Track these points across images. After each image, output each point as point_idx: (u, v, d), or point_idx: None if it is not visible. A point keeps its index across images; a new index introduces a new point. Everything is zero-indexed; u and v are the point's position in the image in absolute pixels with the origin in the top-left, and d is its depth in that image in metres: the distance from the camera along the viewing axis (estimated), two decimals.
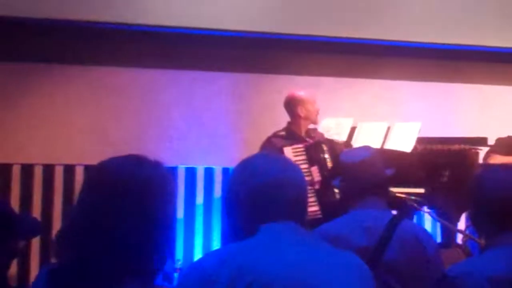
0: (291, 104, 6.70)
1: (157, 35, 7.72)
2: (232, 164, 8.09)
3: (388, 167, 3.77)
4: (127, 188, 2.13)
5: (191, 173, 7.70)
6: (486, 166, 3.60)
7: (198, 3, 7.65)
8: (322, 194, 6.33)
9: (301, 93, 6.73)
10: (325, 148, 6.51)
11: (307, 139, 6.58)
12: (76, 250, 2.09)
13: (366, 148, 3.85)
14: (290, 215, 2.32)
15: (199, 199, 7.66)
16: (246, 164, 2.42)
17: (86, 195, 2.15)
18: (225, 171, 7.83)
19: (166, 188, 2.21)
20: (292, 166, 2.44)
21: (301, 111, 6.65)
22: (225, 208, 2.40)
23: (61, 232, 2.16)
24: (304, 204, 2.42)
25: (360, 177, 3.64)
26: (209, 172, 7.78)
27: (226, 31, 7.78)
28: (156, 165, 2.25)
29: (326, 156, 6.47)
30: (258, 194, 2.31)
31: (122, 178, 2.14)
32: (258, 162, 2.41)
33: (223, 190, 7.81)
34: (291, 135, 6.59)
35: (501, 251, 2.70)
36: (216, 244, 7.58)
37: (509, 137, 7.11)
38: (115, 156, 2.27)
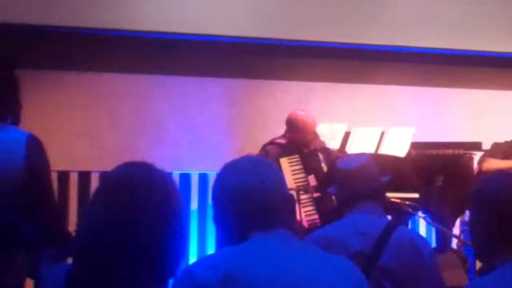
0: (292, 126, 6.66)
1: (151, 41, 7.72)
2: None
3: (383, 173, 3.76)
4: (144, 197, 2.11)
5: (185, 179, 7.68)
6: (490, 173, 3.60)
7: (192, 9, 7.65)
8: (320, 202, 6.33)
9: (303, 119, 6.66)
10: (321, 156, 6.50)
11: (304, 149, 6.56)
12: (92, 259, 2.07)
13: (362, 155, 3.85)
14: (278, 221, 2.29)
15: (194, 205, 7.65)
16: (227, 169, 2.41)
17: (102, 204, 2.11)
18: None
19: (178, 195, 2.21)
20: (270, 170, 2.40)
21: (297, 136, 6.65)
22: (214, 213, 2.39)
23: (76, 240, 2.13)
24: (288, 210, 2.39)
25: (356, 183, 3.63)
26: (203, 178, 7.76)
27: (219, 36, 7.78)
28: (164, 172, 2.24)
29: (323, 164, 6.47)
30: (240, 201, 2.30)
31: (138, 187, 2.12)
32: (239, 166, 2.40)
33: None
34: (289, 143, 6.58)
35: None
36: (210, 250, 7.56)
37: (506, 142, 7.11)
38: (123, 163, 2.24)
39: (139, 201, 2.08)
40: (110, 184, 2.16)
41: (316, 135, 6.68)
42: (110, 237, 2.05)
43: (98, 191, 2.17)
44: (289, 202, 2.43)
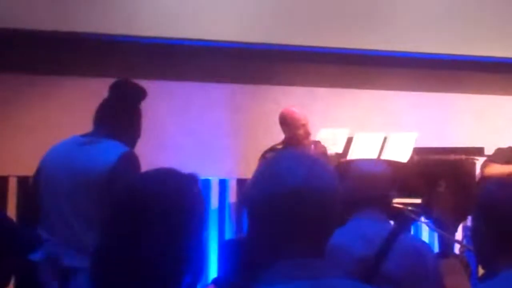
0: (282, 123, 6.76)
1: (153, 46, 7.72)
2: (228, 175, 8.11)
3: (394, 183, 3.77)
4: (155, 207, 2.05)
5: None
6: (494, 179, 3.59)
7: (194, 14, 7.65)
8: None
9: (287, 114, 6.74)
10: None
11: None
12: (106, 271, 2.03)
13: (378, 161, 3.87)
14: (309, 239, 1.96)
15: None
16: (270, 165, 2.03)
17: (116, 216, 2.07)
18: (221, 182, 7.82)
19: (194, 202, 2.12)
20: (323, 172, 2.00)
21: (286, 132, 6.70)
22: (246, 216, 2.07)
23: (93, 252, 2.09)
24: (329, 225, 2.02)
25: (369, 188, 3.63)
26: (205, 184, 7.75)
27: (222, 42, 7.79)
28: (184, 178, 2.13)
29: None
30: (276, 207, 1.94)
31: (150, 198, 2.06)
32: (283, 163, 2.00)
33: (220, 201, 7.81)
34: (287, 147, 6.59)
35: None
36: (213, 256, 7.55)
37: (509, 147, 7.12)
38: (146, 171, 2.18)
39: (145, 214, 2.03)
40: (121, 195, 2.11)
41: (307, 131, 6.69)
42: (124, 249, 2.00)
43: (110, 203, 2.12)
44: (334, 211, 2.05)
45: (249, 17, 7.79)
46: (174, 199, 2.05)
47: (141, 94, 4.23)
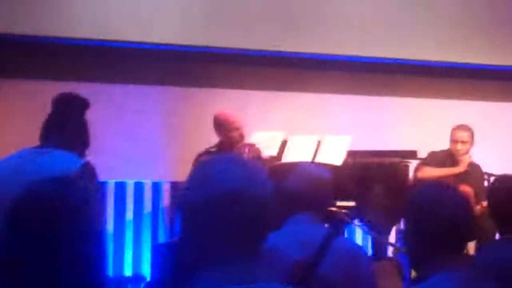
0: (216, 125, 6.75)
1: (88, 48, 7.63)
2: (163, 178, 8.05)
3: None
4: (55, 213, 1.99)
5: (120, 188, 7.61)
6: (425, 182, 3.62)
7: (130, 16, 7.59)
8: None
9: (221, 116, 6.74)
10: None
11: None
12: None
13: (319, 166, 3.88)
14: (243, 243, 1.94)
15: (129, 214, 7.58)
16: (204, 168, 2.01)
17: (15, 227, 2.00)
18: (155, 185, 7.77)
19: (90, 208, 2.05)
20: (258, 176, 1.99)
21: (220, 135, 6.69)
22: (179, 220, 2.02)
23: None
24: (263, 229, 2.00)
25: (306, 193, 3.63)
26: (139, 187, 7.70)
27: (157, 44, 7.74)
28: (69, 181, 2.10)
29: None
30: (210, 210, 1.92)
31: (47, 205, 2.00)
32: (218, 167, 1.98)
33: (153, 204, 7.75)
34: (220, 149, 6.57)
35: (446, 276, 2.68)
36: (146, 260, 7.49)
37: (441, 151, 7.21)
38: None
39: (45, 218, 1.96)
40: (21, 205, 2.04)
41: (242, 134, 6.68)
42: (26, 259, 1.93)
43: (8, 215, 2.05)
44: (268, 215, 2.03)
45: (183, 20, 7.76)
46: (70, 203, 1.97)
47: (86, 105, 4.51)
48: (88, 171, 4.10)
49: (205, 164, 2.03)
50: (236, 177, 1.94)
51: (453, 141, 7.14)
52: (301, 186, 3.65)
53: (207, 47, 7.90)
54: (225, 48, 7.95)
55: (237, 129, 6.68)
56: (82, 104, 4.52)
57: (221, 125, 6.73)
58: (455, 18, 8.50)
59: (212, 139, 6.84)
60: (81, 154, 4.30)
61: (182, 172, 7.27)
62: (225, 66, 8.14)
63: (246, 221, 1.93)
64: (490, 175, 7.07)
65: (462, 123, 7.21)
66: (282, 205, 3.74)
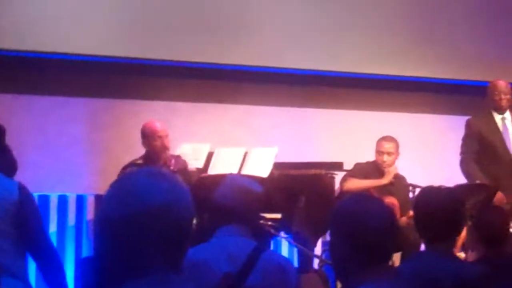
0: (142, 136, 6.71)
1: (9, 59, 7.50)
2: (87, 191, 7.94)
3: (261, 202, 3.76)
4: None
5: (44, 201, 7.47)
6: (351, 194, 3.64)
7: (51, 26, 7.49)
8: None
9: (148, 126, 6.70)
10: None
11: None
12: None
13: (250, 179, 3.88)
14: (166, 256, 1.92)
15: (52, 227, 7.45)
16: (124, 182, 1.99)
17: None
18: (79, 198, 7.66)
19: None
20: (180, 189, 1.98)
21: (146, 145, 6.65)
22: (97, 236, 1.99)
23: None
24: (184, 242, 1.98)
25: (230, 207, 3.61)
26: (62, 200, 7.58)
27: (81, 55, 7.66)
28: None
29: None
30: (133, 224, 1.90)
31: None
32: (140, 181, 1.95)
33: (77, 217, 7.65)
34: (149, 163, 6.52)
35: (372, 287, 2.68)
36: (69, 274, 7.37)
37: (367, 162, 7.27)
38: None
39: None
40: None
41: (164, 144, 6.64)
42: None
43: None
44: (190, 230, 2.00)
45: (106, 31, 7.68)
46: None
47: (4, 130, 4.58)
48: (26, 192, 4.16)
49: (127, 178, 2.01)
50: (159, 192, 1.93)
51: (379, 152, 7.20)
52: (230, 198, 3.63)
53: (131, 58, 7.84)
54: (150, 59, 7.91)
55: (159, 137, 6.64)
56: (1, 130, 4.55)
57: (146, 134, 6.70)
58: (381, 31, 8.59)
59: (138, 151, 6.78)
60: (11, 176, 4.36)
61: (107, 185, 7.16)
62: (150, 78, 8.09)
63: (168, 236, 1.92)
64: (415, 186, 7.15)
65: (387, 134, 7.29)
66: (210, 217, 3.72)
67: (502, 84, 7.30)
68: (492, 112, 7.32)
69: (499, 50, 8.99)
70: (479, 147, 7.24)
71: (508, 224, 5.19)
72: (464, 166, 7.24)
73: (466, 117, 7.60)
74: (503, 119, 7.30)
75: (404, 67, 8.70)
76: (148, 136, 6.69)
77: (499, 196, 6.77)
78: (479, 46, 8.90)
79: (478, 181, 6.95)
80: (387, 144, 7.22)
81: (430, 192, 4.02)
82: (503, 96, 7.23)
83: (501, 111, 7.29)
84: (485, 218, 4.80)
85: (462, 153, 7.33)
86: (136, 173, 2.00)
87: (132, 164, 6.59)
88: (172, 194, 1.93)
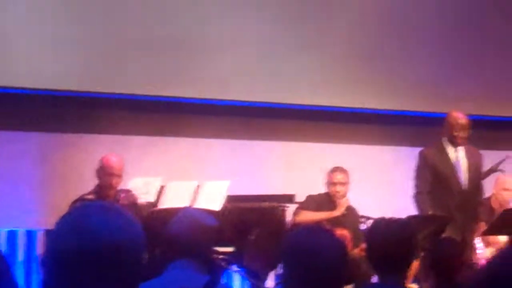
0: (98, 170, 6.63)
1: None
2: (36, 226, 7.85)
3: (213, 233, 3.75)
4: None
5: None
6: (300, 227, 3.65)
7: (0, 61, 7.43)
8: None
9: (105, 161, 6.65)
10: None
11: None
12: None
13: (204, 213, 3.86)
14: None
15: None
16: (71, 218, 1.92)
17: None
18: (28, 234, 7.56)
19: None
20: (133, 226, 1.93)
21: (103, 181, 6.60)
22: (46, 270, 1.92)
23: None
24: (134, 277, 1.93)
25: (183, 241, 3.59)
26: (12, 235, 7.48)
27: (29, 89, 7.62)
28: None
29: None
30: (84, 261, 1.85)
31: None
32: (93, 217, 1.89)
33: (27, 253, 7.55)
34: (100, 198, 6.46)
35: None
36: None
37: (318, 194, 7.29)
38: None
39: None
40: None
41: (113, 185, 6.59)
42: None
43: None
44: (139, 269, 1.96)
45: (58, 65, 7.63)
46: None
47: None
48: None
49: (79, 213, 1.95)
50: (112, 230, 1.88)
51: (332, 183, 7.24)
52: (183, 232, 3.61)
53: (81, 91, 7.81)
54: (100, 93, 7.87)
55: (112, 175, 6.58)
56: None
57: (102, 167, 6.63)
58: (329, 63, 8.65)
59: (88, 185, 6.72)
60: None
61: (56, 220, 7.12)
62: (100, 111, 8.04)
63: (120, 272, 1.89)
64: (366, 218, 7.18)
65: (338, 165, 7.33)
66: (162, 251, 3.69)
67: (463, 121, 7.25)
68: (446, 144, 7.33)
69: (445, 81, 9.10)
70: (432, 179, 7.25)
71: (461, 255, 5.25)
72: (419, 201, 7.22)
73: (414, 148, 7.66)
74: (456, 151, 7.31)
75: (353, 99, 8.77)
76: (103, 168, 6.62)
77: None
78: (425, 77, 9.00)
79: (430, 212, 6.99)
80: (339, 174, 7.26)
81: (381, 224, 4.03)
82: (462, 134, 7.22)
83: (456, 146, 7.31)
84: (438, 249, 4.84)
85: (415, 187, 7.31)
86: (88, 208, 1.95)
87: (82, 198, 6.53)
88: (125, 232, 1.89)
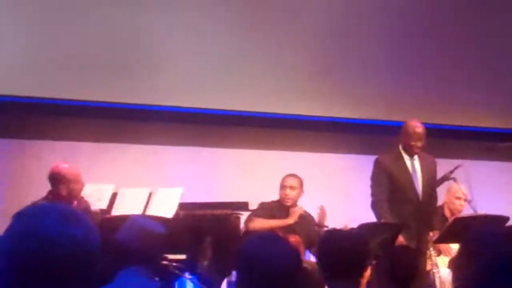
0: (55, 180, 6.49)
1: None
2: None
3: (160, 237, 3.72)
4: None
5: None
6: (255, 234, 3.64)
7: None
8: None
9: (65, 170, 6.52)
10: None
11: None
12: None
13: (137, 218, 3.83)
14: None
15: None
16: (26, 220, 1.84)
17: None
18: None
19: None
20: (86, 231, 1.88)
21: (63, 190, 6.46)
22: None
23: None
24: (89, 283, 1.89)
25: (132, 246, 3.57)
26: None
27: None
28: None
29: None
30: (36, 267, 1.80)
31: None
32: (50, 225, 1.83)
33: None
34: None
35: None
36: None
37: (272, 201, 7.30)
38: None
39: None
40: None
41: (82, 186, 6.52)
42: None
43: None
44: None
45: (7, 69, 7.56)
46: None
47: None
48: None
49: (35, 216, 1.85)
50: (70, 240, 1.83)
51: (282, 187, 7.29)
52: (131, 239, 3.60)
53: (31, 97, 7.73)
54: (50, 99, 7.79)
55: (79, 182, 6.49)
56: None
57: (69, 179, 6.47)
58: (284, 71, 8.67)
59: (40, 191, 6.64)
60: None
61: (5, 227, 7.02)
62: (50, 117, 7.96)
63: (73, 278, 1.84)
64: (320, 226, 7.17)
65: (292, 173, 7.36)
66: (112, 258, 3.66)
67: (420, 131, 7.20)
68: (402, 152, 7.31)
69: (398, 90, 9.17)
70: (389, 186, 7.18)
71: (416, 263, 5.29)
72: (378, 209, 7.11)
73: (368, 156, 7.67)
74: (412, 159, 7.28)
75: (307, 106, 8.78)
76: (70, 180, 6.48)
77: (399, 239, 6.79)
78: (378, 87, 9.06)
79: (383, 220, 7.00)
80: (290, 179, 7.29)
81: (334, 234, 4.07)
82: (419, 144, 7.17)
83: (412, 155, 7.27)
84: (393, 257, 4.87)
85: (373, 194, 7.22)
86: (45, 211, 1.88)
87: (34, 205, 6.43)
88: (81, 238, 1.84)
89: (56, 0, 7.80)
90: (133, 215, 5.72)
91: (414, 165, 7.28)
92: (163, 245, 3.71)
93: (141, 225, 3.74)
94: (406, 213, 7.11)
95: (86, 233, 1.86)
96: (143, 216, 6.12)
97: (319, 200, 7.77)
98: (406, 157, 7.27)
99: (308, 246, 7.06)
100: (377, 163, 7.32)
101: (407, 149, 7.26)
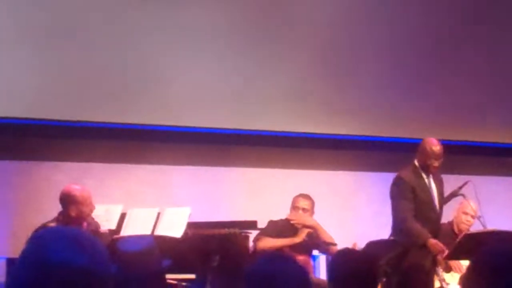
0: (65, 202, 6.50)
1: None
2: None
3: (164, 256, 3.74)
4: None
5: None
6: (264, 253, 3.62)
7: None
8: None
9: (76, 192, 6.53)
10: None
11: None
12: None
13: (143, 237, 3.83)
14: None
15: None
16: (36, 247, 1.86)
17: None
18: None
19: None
20: (99, 252, 1.89)
21: (73, 211, 6.48)
22: None
23: None
24: None
25: (137, 266, 3.58)
26: None
27: None
28: None
29: None
30: None
31: None
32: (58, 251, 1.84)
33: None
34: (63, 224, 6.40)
35: None
36: None
37: (280, 220, 7.28)
38: None
39: None
40: None
41: (91, 208, 6.53)
42: None
43: None
44: None
45: (19, 92, 7.60)
46: None
47: None
48: None
49: (43, 244, 1.87)
50: (79, 266, 1.82)
51: (294, 207, 7.25)
52: (124, 260, 3.60)
53: (42, 119, 7.75)
54: (60, 121, 7.82)
55: (90, 204, 6.51)
56: None
57: (74, 201, 6.48)
58: (291, 88, 8.67)
59: (50, 212, 6.65)
60: None
61: (18, 248, 7.02)
62: (62, 139, 7.99)
63: None
64: (328, 244, 7.16)
65: (301, 192, 7.33)
66: (117, 280, 3.66)
67: (438, 149, 7.07)
68: (420, 169, 7.15)
69: (408, 106, 9.16)
70: (413, 202, 7.04)
71: (427, 281, 5.26)
72: (408, 223, 6.94)
73: (376, 173, 7.65)
74: (428, 177, 7.16)
75: (315, 124, 8.78)
76: (81, 202, 6.49)
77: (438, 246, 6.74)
78: (388, 103, 9.05)
79: (392, 238, 6.97)
80: (303, 201, 7.27)
81: (344, 254, 4.10)
82: (436, 164, 7.05)
83: (429, 174, 7.15)
84: (404, 274, 4.88)
85: (400, 210, 7.04)
86: (54, 239, 1.88)
87: (44, 226, 6.45)
88: (93, 262, 1.84)
89: (64, 26, 7.82)
90: (123, 237, 5.75)
91: (431, 182, 7.17)
92: (157, 261, 3.69)
93: (126, 246, 3.72)
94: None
95: (92, 258, 1.85)
96: (129, 236, 6.12)
97: (327, 217, 7.77)
98: (424, 175, 7.17)
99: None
100: (399, 180, 7.15)
101: (423, 168, 7.13)
